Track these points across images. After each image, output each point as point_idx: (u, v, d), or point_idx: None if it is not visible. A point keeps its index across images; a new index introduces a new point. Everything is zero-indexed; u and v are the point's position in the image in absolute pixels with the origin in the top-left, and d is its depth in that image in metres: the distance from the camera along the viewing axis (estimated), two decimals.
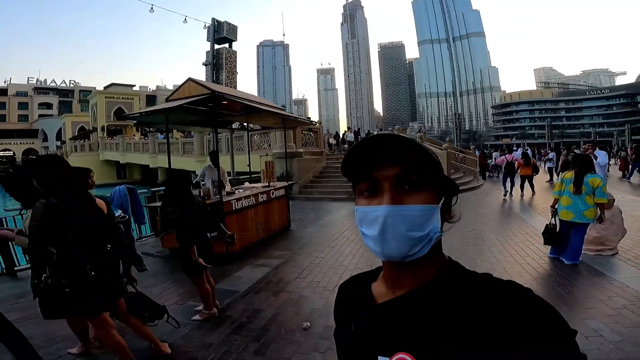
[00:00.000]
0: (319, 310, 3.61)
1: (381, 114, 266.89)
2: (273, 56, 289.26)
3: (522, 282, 3.09)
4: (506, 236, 6.36)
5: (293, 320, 3.46)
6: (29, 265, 5.23)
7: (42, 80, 73.41)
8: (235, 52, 15.26)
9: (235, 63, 14.91)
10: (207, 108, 5.55)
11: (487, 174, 18.04)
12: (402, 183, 0.59)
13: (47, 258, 2.22)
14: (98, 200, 2.56)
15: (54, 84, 73.90)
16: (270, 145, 14.68)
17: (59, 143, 56.06)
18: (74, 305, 2.30)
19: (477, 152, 20.33)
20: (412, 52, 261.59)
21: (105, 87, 56.63)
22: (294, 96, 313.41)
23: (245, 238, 5.84)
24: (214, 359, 2.79)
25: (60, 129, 58.32)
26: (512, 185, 11.79)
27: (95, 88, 66.70)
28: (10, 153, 58.66)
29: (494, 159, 18.96)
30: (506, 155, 12.67)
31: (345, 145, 21.41)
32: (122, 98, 51.16)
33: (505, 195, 11.65)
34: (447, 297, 0.56)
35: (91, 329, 2.95)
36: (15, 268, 5.09)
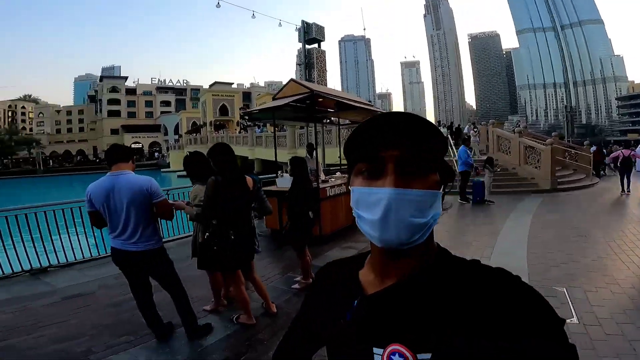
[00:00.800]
0: None
1: (473, 106, 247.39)
2: (355, 51, 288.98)
3: (621, 277, 3.80)
4: (615, 235, 5.87)
5: None
6: (170, 238, 6.46)
7: (162, 80, 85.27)
8: (324, 51, 16.10)
9: (325, 62, 15.76)
10: (305, 105, 6.31)
11: (600, 172, 15.83)
12: (408, 165, 0.55)
13: (209, 223, 3.00)
14: (248, 178, 3.15)
15: (170, 84, 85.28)
16: None
17: (176, 137, 64.31)
18: (219, 260, 3.03)
19: (592, 148, 17.83)
20: (508, 41, 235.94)
21: (210, 86, 63.35)
22: (378, 90, 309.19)
23: (335, 222, 6.46)
24: None
25: (177, 124, 67.31)
26: (629, 182, 10.40)
27: (202, 87, 75.23)
28: (140, 145, 69.98)
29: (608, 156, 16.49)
30: (622, 151, 11.11)
31: None
32: (225, 95, 57.09)
33: (622, 194, 10.30)
34: (442, 284, 0.55)
35: (223, 290, 3.67)
36: (163, 240, 6.32)
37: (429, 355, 0.49)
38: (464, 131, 19.79)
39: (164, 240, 6.23)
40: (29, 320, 3.42)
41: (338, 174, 8.50)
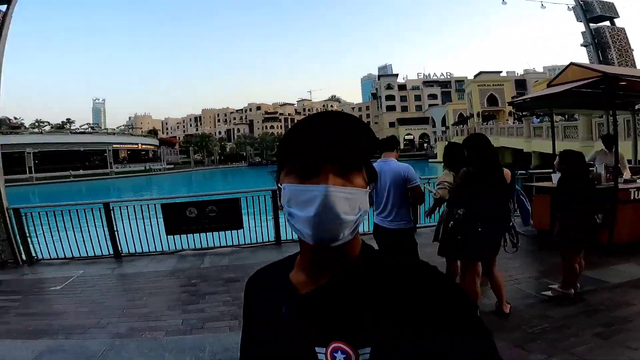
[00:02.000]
0: None
1: None
2: None
3: None
4: None
5: None
6: (422, 225, 6.69)
7: (427, 75, 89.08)
8: (622, 28, 11.81)
9: (627, 40, 11.51)
10: (599, 90, 5.08)
11: None
12: (341, 164, 0.58)
13: (454, 212, 3.15)
14: (505, 171, 3.08)
15: (435, 77, 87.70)
16: None
17: (443, 128, 65.99)
18: (460, 249, 3.14)
19: None
20: None
21: (475, 76, 59.97)
22: None
23: (638, 231, 4.89)
24: (546, 328, 2.86)
25: (444, 116, 68.86)
26: None
27: (466, 77, 72.33)
28: (411, 137, 76.53)
29: None
30: None
31: None
32: (492, 85, 53.41)
33: None
34: (372, 279, 0.57)
35: (457, 279, 3.62)
36: (417, 225, 6.42)
37: (369, 349, 0.51)
38: None
39: (418, 225, 6.90)
40: None
41: None
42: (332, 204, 0.54)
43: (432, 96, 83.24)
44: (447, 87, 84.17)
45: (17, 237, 5.67)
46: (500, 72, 63.06)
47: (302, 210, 0.56)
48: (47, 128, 58.24)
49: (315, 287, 0.59)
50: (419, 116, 79.88)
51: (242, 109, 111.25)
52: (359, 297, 0.55)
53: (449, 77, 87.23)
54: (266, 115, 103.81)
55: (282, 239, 6.24)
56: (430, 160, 48.58)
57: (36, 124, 59.64)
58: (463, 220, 3.06)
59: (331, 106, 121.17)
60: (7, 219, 5.57)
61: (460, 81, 79.09)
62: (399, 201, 3.16)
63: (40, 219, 5.90)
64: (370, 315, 0.53)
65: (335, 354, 0.52)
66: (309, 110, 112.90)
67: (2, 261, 5.54)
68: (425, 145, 69.53)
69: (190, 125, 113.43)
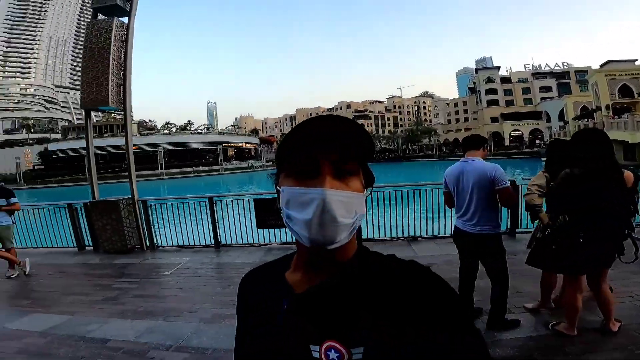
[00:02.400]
0: None
1: None
2: None
3: None
4: None
5: None
6: (526, 229, 6.00)
7: (537, 66, 79.15)
8: None
9: None
10: None
11: None
12: (341, 168, 0.58)
13: (551, 217, 2.75)
14: (626, 173, 2.62)
15: (548, 68, 77.44)
16: None
17: (561, 123, 58.73)
18: (555, 260, 2.74)
19: None
20: None
21: (601, 65, 52.01)
22: None
23: None
24: None
25: (562, 110, 60.68)
26: None
27: (590, 67, 62.11)
28: (519, 133, 68.77)
29: None
30: None
31: None
32: (626, 74, 46.27)
33: None
34: (366, 280, 0.58)
35: (554, 292, 3.27)
36: (517, 230, 5.96)
37: (362, 349, 0.52)
38: None
39: (520, 230, 6.12)
40: None
41: None
42: (329, 206, 0.56)
43: (545, 88, 74.07)
44: (565, 79, 74.44)
45: (144, 225, 6.85)
46: (635, 60, 52.61)
47: (300, 213, 0.58)
48: (174, 129, 68.48)
49: (310, 287, 0.61)
50: (528, 110, 71.51)
51: (332, 108, 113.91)
52: (353, 298, 0.56)
53: (566, 67, 76.75)
54: (356, 114, 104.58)
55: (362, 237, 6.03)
56: (543, 158, 43.16)
57: (166, 125, 70.73)
58: (563, 227, 2.67)
59: (423, 102, 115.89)
60: (137, 209, 6.76)
61: (582, 71, 68.37)
62: (484, 204, 2.89)
63: (162, 210, 6.99)
64: (365, 316, 0.54)
65: (329, 353, 0.54)
66: (399, 107, 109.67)
67: (131, 246, 6.72)
68: (537, 142, 62.25)
69: (286, 125, 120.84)
